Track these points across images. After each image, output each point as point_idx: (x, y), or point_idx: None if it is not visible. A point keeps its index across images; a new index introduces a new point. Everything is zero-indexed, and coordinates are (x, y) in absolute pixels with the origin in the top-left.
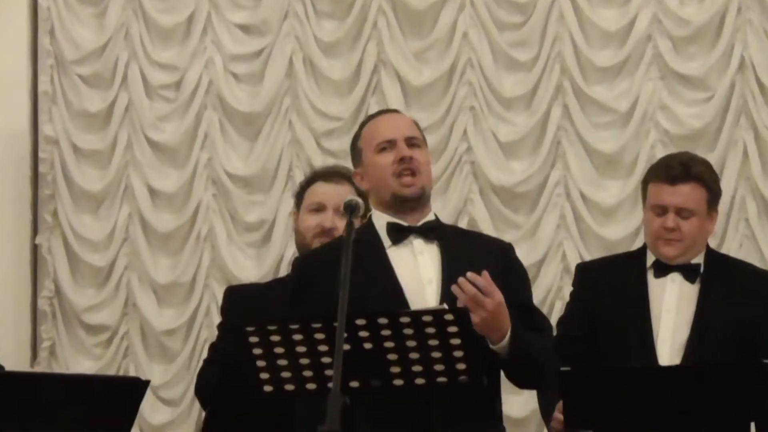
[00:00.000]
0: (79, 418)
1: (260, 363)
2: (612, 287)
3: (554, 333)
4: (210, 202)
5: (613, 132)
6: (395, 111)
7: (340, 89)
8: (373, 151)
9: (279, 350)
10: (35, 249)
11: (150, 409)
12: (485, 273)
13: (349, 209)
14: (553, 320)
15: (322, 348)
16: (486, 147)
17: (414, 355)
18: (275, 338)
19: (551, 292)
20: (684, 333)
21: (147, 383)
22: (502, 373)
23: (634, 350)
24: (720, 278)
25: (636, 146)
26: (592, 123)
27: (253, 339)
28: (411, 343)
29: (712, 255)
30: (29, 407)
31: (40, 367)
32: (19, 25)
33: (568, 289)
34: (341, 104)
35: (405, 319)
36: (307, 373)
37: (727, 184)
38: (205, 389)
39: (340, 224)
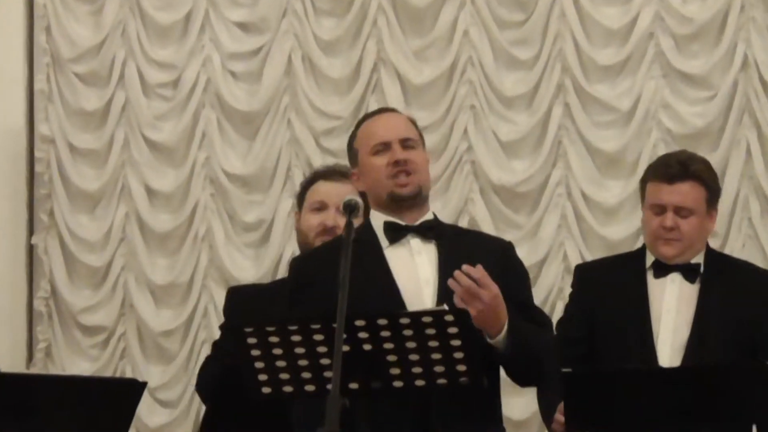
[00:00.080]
0: (75, 420)
1: (258, 364)
2: (611, 288)
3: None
4: (208, 201)
5: (615, 131)
6: (391, 110)
7: (340, 88)
8: (368, 153)
9: (277, 351)
10: (31, 249)
11: (147, 411)
12: (479, 266)
13: (348, 209)
14: (554, 321)
15: (321, 349)
16: (487, 146)
17: (414, 357)
18: (274, 339)
19: (552, 293)
20: (684, 333)
21: (144, 385)
22: (502, 374)
23: (634, 351)
24: (720, 278)
25: (638, 145)
26: (593, 122)
27: (252, 340)
28: (411, 344)
29: (711, 254)
30: (25, 409)
31: (36, 369)
32: (14, 23)
33: (569, 289)
34: (340, 103)
35: (405, 320)
36: (306, 375)
37: (730, 184)
38: (208, 384)
39: (342, 222)
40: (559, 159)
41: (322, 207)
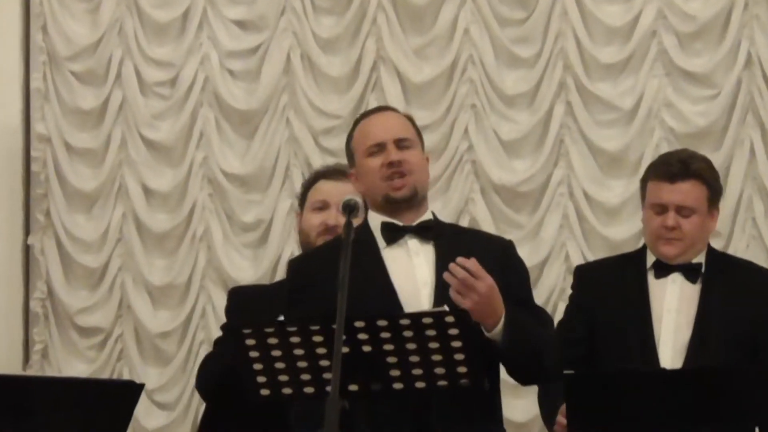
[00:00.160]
0: (72, 422)
1: (257, 366)
2: (612, 289)
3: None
4: (206, 201)
5: (617, 130)
6: (388, 109)
7: (339, 86)
8: (363, 154)
9: (276, 353)
10: (27, 249)
11: (144, 413)
12: (473, 259)
13: (348, 209)
14: (556, 322)
15: (321, 351)
16: (487, 145)
17: (414, 358)
18: (272, 341)
19: (554, 293)
20: (686, 334)
21: (141, 387)
22: (503, 375)
23: (634, 352)
24: (722, 278)
25: (640, 144)
26: (595, 121)
27: (250, 341)
28: (411, 346)
29: (713, 254)
30: (21, 411)
31: (33, 371)
32: (10, 21)
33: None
34: (340, 101)
35: (405, 321)
36: (305, 377)
37: (733, 184)
38: (208, 381)
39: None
40: (561, 158)
41: (323, 206)
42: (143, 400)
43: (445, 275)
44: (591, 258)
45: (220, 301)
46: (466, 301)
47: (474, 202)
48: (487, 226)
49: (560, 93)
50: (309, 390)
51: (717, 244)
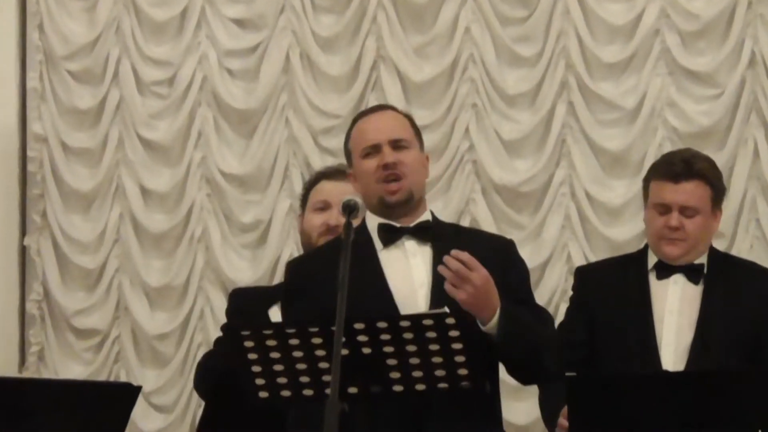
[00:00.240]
0: (68, 425)
1: (256, 368)
2: (613, 290)
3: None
4: (204, 202)
5: (620, 130)
6: (386, 108)
7: (339, 85)
8: (359, 155)
9: (275, 355)
10: (23, 250)
11: (142, 416)
12: (466, 252)
13: (348, 210)
14: (558, 324)
15: (320, 353)
16: (488, 145)
17: (414, 361)
18: (271, 343)
19: (556, 294)
20: (688, 336)
21: (139, 389)
22: (503, 377)
23: (636, 354)
24: (724, 278)
25: (643, 144)
26: (597, 120)
27: (249, 343)
28: (411, 348)
29: (715, 255)
30: (17, 414)
31: (29, 373)
32: (7, 20)
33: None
34: (339, 101)
35: (405, 323)
36: (304, 379)
37: (737, 184)
38: (206, 378)
39: None
40: (563, 158)
41: (325, 207)
42: (140, 402)
43: (440, 268)
44: (593, 259)
45: (219, 302)
46: (460, 293)
47: (475, 202)
48: (488, 226)
49: (562, 92)
50: (308, 392)
51: (720, 244)
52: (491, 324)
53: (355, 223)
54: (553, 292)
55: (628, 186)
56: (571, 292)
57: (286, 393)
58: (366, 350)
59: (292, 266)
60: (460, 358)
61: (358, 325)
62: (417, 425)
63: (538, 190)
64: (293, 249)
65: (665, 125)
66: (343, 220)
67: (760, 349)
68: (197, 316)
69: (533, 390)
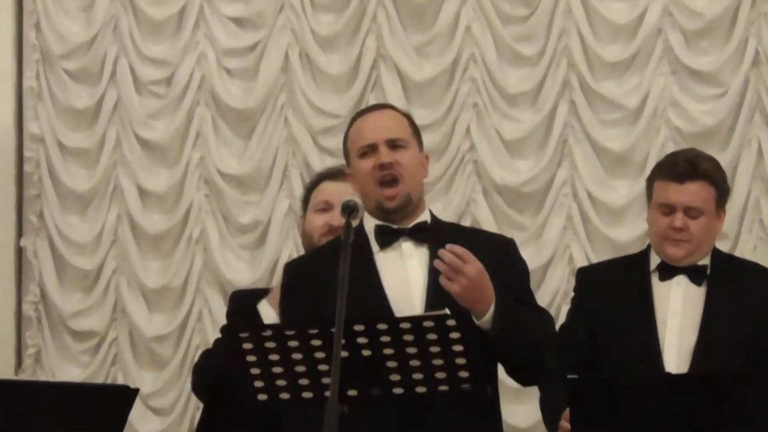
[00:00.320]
0: (65, 428)
1: (254, 370)
2: (614, 291)
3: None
4: (202, 202)
5: (622, 129)
6: (384, 107)
7: (338, 85)
8: (356, 154)
9: (274, 357)
10: (20, 252)
11: (139, 419)
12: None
13: (347, 210)
14: (559, 326)
15: (319, 355)
16: (490, 145)
17: (415, 363)
18: (270, 345)
19: (558, 296)
20: (691, 338)
21: (136, 392)
22: (504, 379)
23: (639, 357)
24: (727, 280)
25: (646, 144)
26: (600, 120)
27: (247, 345)
28: (411, 350)
29: (718, 256)
30: (13, 417)
31: (25, 375)
32: (3, 19)
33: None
34: (339, 100)
35: (405, 325)
36: (304, 381)
37: (740, 184)
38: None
39: None
40: (565, 158)
41: (327, 207)
42: (138, 405)
43: (436, 262)
44: (595, 260)
45: (217, 304)
46: (454, 285)
47: (476, 203)
48: (489, 227)
49: (564, 92)
50: (307, 395)
51: (724, 246)
52: (486, 318)
53: (354, 223)
54: (554, 294)
55: (630, 186)
56: (572, 294)
57: (285, 395)
58: (366, 352)
59: (290, 267)
60: (461, 361)
61: (358, 327)
62: (416, 427)
63: (540, 190)
64: (292, 250)
65: (668, 125)
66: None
67: (765, 351)
68: (195, 318)
69: (534, 392)
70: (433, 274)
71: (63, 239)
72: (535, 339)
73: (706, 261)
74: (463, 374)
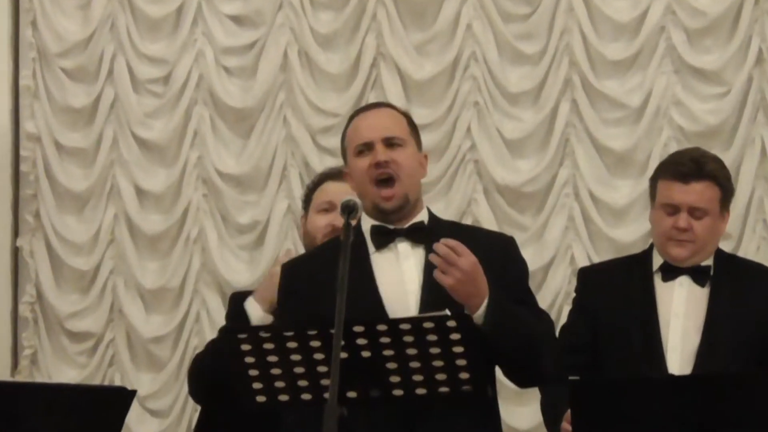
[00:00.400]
0: (62, 430)
1: (253, 372)
2: (616, 292)
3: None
4: (200, 202)
5: (625, 129)
6: (382, 106)
7: (338, 84)
8: (352, 153)
9: (272, 359)
10: (16, 252)
11: (137, 420)
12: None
13: (347, 210)
14: (560, 326)
15: (318, 356)
16: (491, 144)
17: (415, 364)
18: (269, 346)
19: (559, 297)
20: (694, 339)
21: (133, 393)
22: (504, 382)
23: (641, 358)
24: (731, 280)
25: (648, 144)
26: (602, 119)
27: (246, 347)
28: (411, 351)
29: (721, 256)
30: (9, 418)
31: (21, 377)
32: None
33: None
34: (339, 99)
35: (405, 326)
36: (303, 383)
37: (744, 184)
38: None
39: None
40: (566, 158)
41: (330, 208)
42: (135, 407)
43: (431, 256)
44: (597, 260)
45: (215, 304)
46: (447, 278)
47: (477, 202)
48: (490, 227)
49: (566, 90)
50: (306, 396)
51: (727, 246)
52: (479, 312)
53: (353, 223)
54: (556, 294)
55: (633, 186)
56: (574, 294)
57: (284, 397)
58: (365, 353)
59: (287, 268)
60: (461, 362)
61: (358, 328)
62: (416, 428)
63: (541, 190)
64: (291, 250)
65: (671, 124)
66: None
67: (766, 350)
68: (193, 319)
69: (535, 394)
70: (429, 275)
71: (59, 239)
72: (530, 337)
73: (709, 261)
74: (464, 375)
